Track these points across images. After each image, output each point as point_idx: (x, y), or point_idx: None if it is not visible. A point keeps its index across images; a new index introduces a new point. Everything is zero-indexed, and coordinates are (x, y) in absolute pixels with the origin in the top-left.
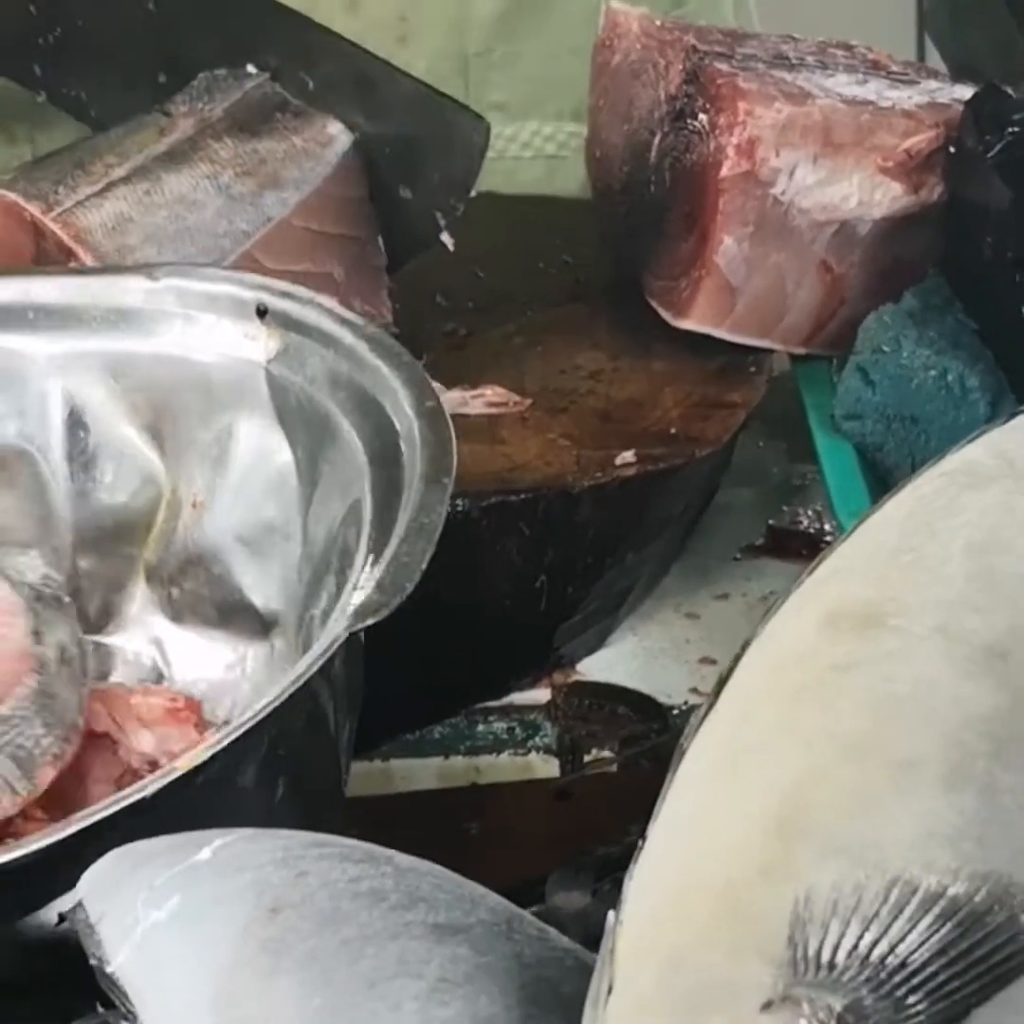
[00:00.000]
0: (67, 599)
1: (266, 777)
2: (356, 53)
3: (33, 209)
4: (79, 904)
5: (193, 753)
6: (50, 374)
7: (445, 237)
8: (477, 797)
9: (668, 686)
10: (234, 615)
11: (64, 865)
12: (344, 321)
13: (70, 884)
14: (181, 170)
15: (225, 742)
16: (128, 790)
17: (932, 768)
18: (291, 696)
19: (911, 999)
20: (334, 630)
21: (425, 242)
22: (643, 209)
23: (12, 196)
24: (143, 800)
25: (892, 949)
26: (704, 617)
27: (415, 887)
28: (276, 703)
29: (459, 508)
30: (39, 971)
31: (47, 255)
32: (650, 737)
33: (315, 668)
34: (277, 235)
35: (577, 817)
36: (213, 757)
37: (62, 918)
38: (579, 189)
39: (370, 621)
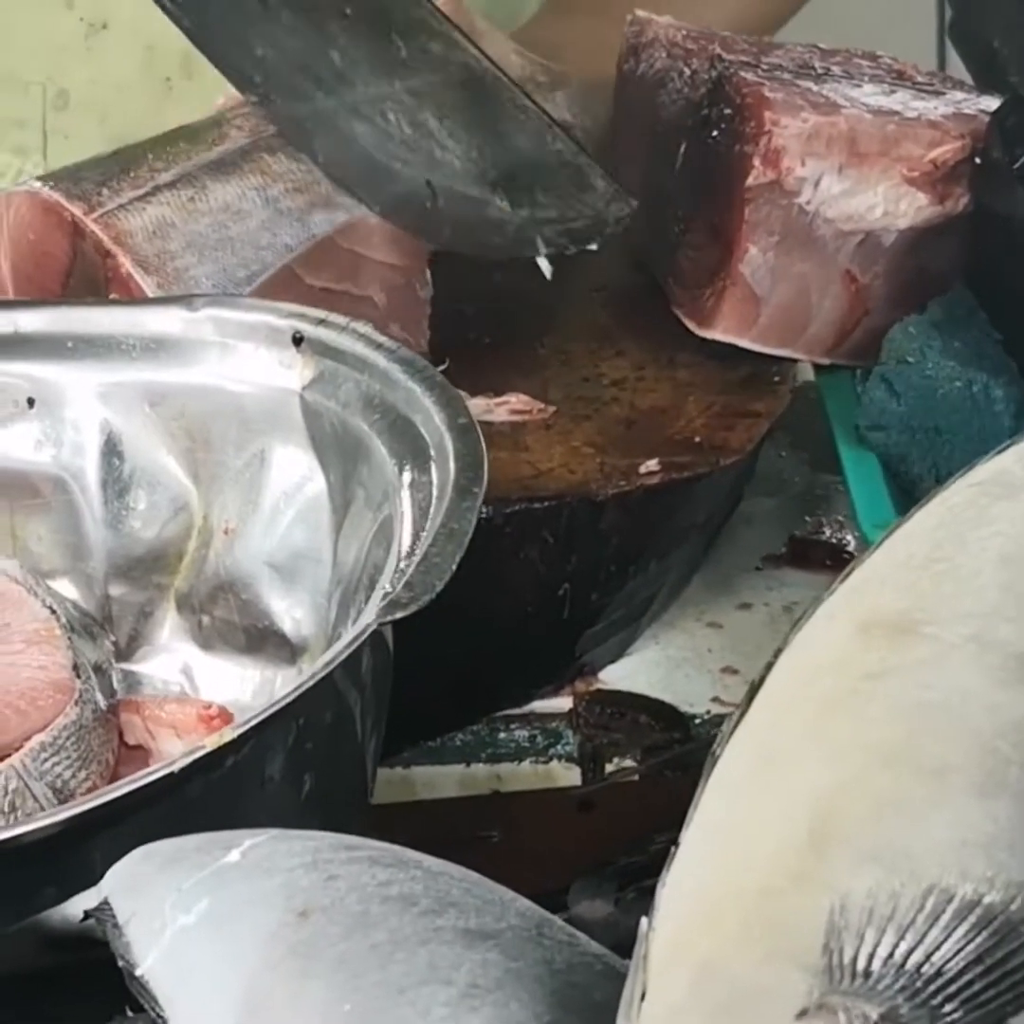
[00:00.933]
0: (100, 630)
1: (293, 770)
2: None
3: (75, 209)
4: (105, 902)
5: (221, 733)
6: (88, 403)
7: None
8: (498, 805)
9: (690, 695)
10: (263, 641)
11: (90, 843)
12: (378, 345)
13: (96, 868)
14: (229, 179)
15: (254, 722)
16: (156, 766)
17: (966, 776)
18: (319, 683)
19: (947, 1007)
20: (363, 623)
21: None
22: (667, 218)
23: (55, 195)
24: (171, 776)
25: (928, 957)
26: (727, 626)
27: (445, 892)
28: (304, 689)
29: (483, 515)
30: (64, 965)
31: (85, 256)
32: (672, 746)
33: (343, 657)
34: (321, 253)
35: (599, 826)
36: (241, 736)
37: (88, 915)
38: None
39: (399, 615)
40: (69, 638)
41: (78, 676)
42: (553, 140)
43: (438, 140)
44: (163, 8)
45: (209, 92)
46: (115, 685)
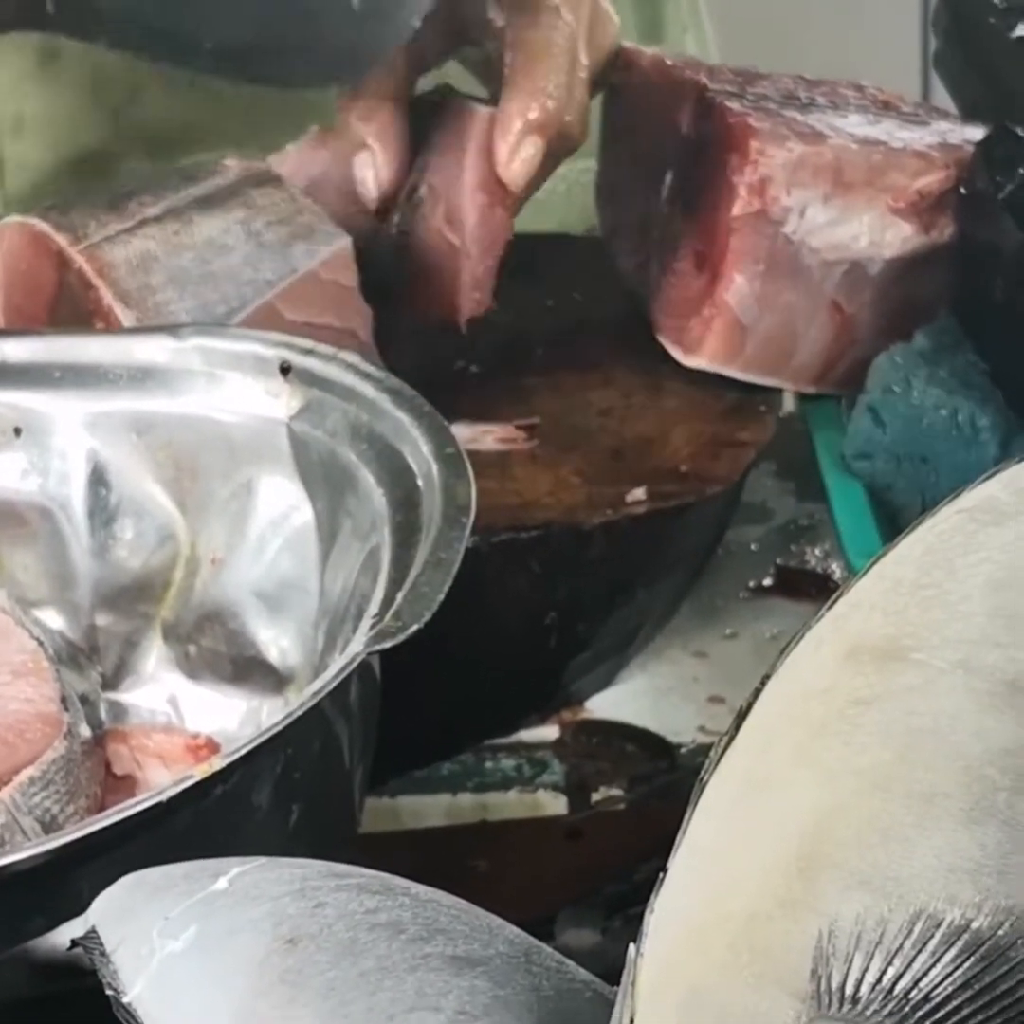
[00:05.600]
0: (87, 660)
1: (281, 800)
2: None
3: (62, 239)
4: (93, 930)
5: (209, 762)
6: (74, 432)
7: None
8: (485, 834)
9: (677, 724)
10: (250, 670)
11: (77, 872)
12: (366, 375)
13: (83, 896)
14: (214, 213)
15: (242, 752)
16: (144, 795)
17: (954, 802)
18: (306, 713)
19: None
20: (351, 653)
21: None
22: (654, 247)
23: (42, 226)
24: (159, 805)
25: (916, 983)
26: (713, 655)
27: (433, 919)
28: (291, 718)
29: (469, 544)
30: (51, 994)
31: (70, 288)
32: (658, 776)
33: (331, 687)
34: (302, 287)
35: (586, 855)
36: (229, 766)
37: (75, 943)
38: (589, 226)
39: (386, 645)
40: (57, 670)
41: (66, 709)
42: None
43: None
44: None
45: (155, 122)
46: (102, 715)
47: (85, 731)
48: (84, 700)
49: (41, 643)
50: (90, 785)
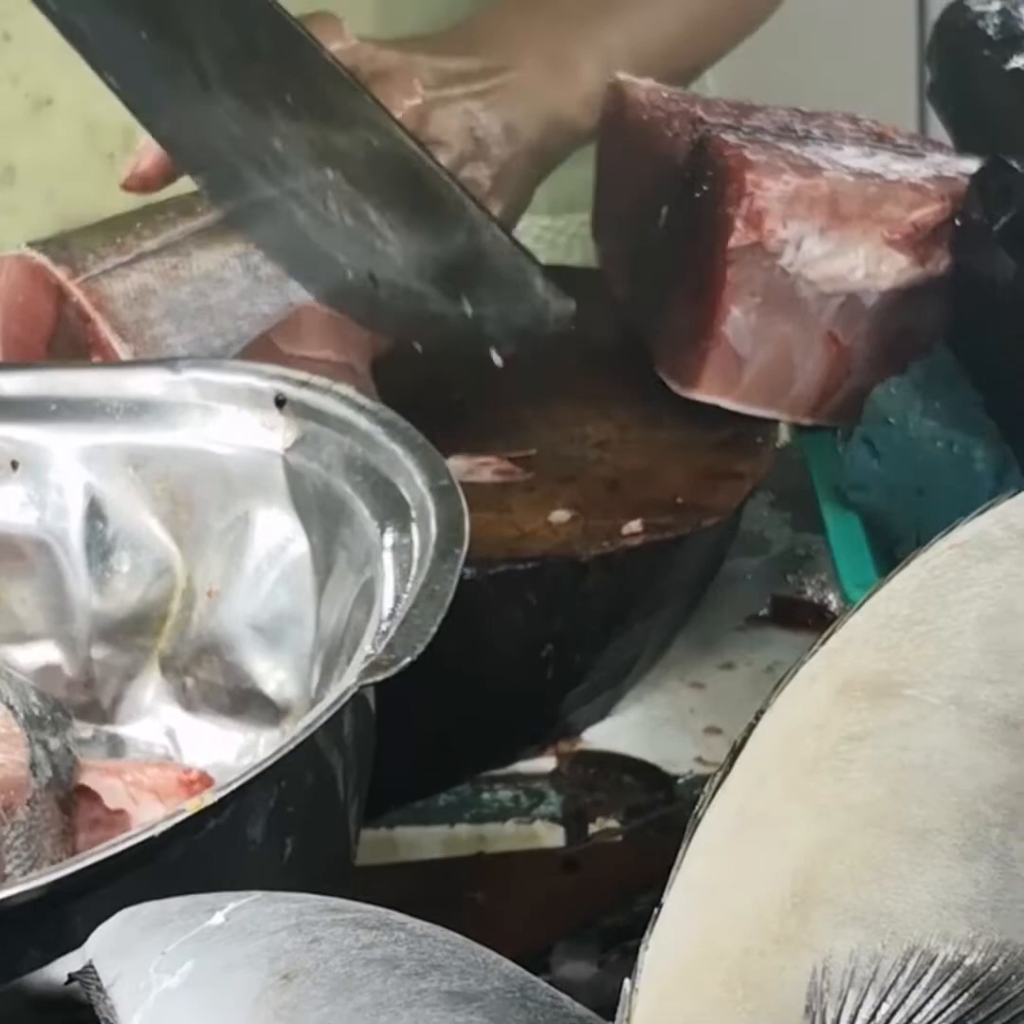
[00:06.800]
0: (63, 716)
1: (275, 833)
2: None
3: (60, 273)
4: (89, 965)
5: (202, 796)
6: (71, 465)
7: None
8: (482, 866)
9: (673, 755)
10: (246, 703)
11: (72, 906)
12: (361, 407)
13: (78, 931)
14: (213, 247)
15: (234, 786)
16: (137, 830)
17: (947, 838)
18: (299, 746)
19: None
20: (344, 685)
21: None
22: (650, 279)
23: (41, 259)
24: (152, 840)
25: (910, 1019)
26: (709, 687)
27: (429, 954)
28: (284, 752)
29: (465, 576)
30: None
31: (68, 321)
32: (656, 807)
33: (324, 720)
34: (298, 321)
35: (583, 886)
36: (222, 800)
37: (72, 978)
38: (586, 258)
39: (380, 677)
40: (28, 734)
41: (35, 775)
42: (493, 238)
43: (379, 232)
44: (108, 85)
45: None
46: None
47: (55, 796)
48: (61, 754)
49: (10, 706)
50: (56, 852)
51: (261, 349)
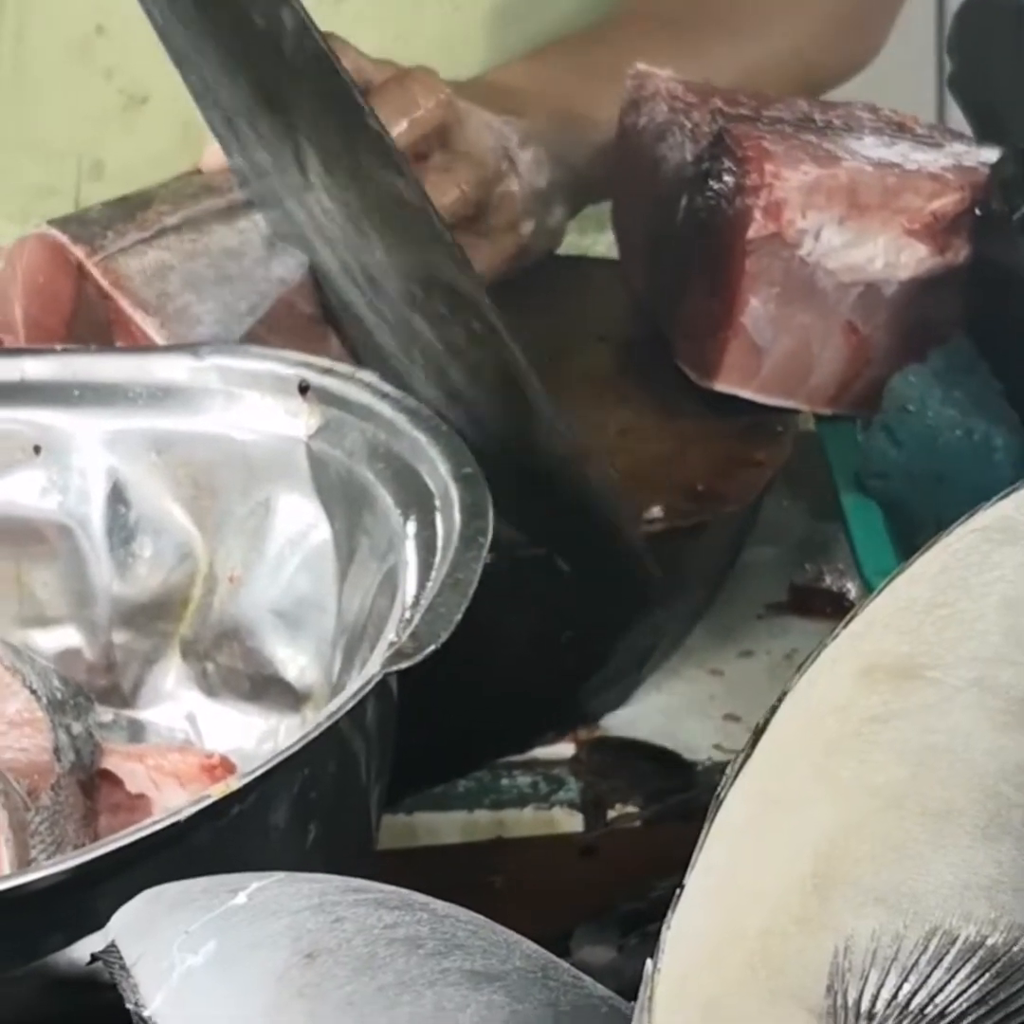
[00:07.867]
0: (86, 700)
1: (298, 819)
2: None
3: (78, 251)
4: (112, 945)
5: (227, 782)
6: (94, 450)
7: None
8: (501, 851)
9: (692, 742)
10: (267, 688)
11: (96, 890)
12: (384, 395)
13: (101, 913)
14: (233, 223)
15: (259, 773)
16: (162, 814)
17: (969, 819)
18: (323, 733)
19: None
20: (368, 673)
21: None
22: (669, 270)
23: (61, 237)
24: (177, 825)
25: (932, 999)
26: (728, 674)
27: (451, 934)
28: (309, 739)
29: (486, 562)
30: (70, 1009)
31: (88, 299)
32: (674, 793)
33: (348, 707)
34: (314, 283)
35: (601, 872)
36: (246, 786)
37: (95, 957)
38: (606, 249)
39: (403, 665)
40: (51, 719)
41: (58, 760)
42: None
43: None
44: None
45: None
46: (119, 737)
47: (78, 780)
48: (84, 738)
49: (34, 691)
50: (79, 837)
51: (282, 310)
